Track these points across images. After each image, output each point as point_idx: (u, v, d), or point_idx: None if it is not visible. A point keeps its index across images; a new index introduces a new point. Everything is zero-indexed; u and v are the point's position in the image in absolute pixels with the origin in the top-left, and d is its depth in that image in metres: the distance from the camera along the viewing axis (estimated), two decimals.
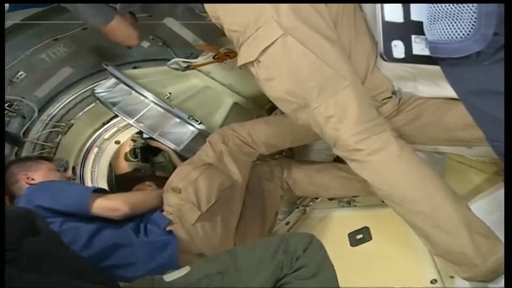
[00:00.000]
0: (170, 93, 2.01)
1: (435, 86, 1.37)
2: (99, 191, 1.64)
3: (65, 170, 2.22)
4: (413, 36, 1.14)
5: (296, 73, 1.30)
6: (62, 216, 1.52)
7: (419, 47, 1.14)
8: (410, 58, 1.14)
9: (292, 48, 1.28)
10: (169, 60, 2.08)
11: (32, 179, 1.71)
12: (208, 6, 1.44)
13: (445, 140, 1.46)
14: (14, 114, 2.16)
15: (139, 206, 1.64)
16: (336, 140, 1.32)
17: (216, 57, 1.98)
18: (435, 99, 1.42)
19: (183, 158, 2.02)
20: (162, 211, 1.67)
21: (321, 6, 1.36)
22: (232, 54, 1.94)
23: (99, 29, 1.72)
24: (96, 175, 2.32)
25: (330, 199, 2.02)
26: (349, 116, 1.29)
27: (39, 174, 1.75)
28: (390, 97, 1.47)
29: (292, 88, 1.32)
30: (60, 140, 2.29)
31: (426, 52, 1.12)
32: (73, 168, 2.30)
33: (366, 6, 1.47)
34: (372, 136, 1.28)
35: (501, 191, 1.46)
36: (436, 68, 1.18)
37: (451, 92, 1.27)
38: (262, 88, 1.41)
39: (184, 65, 2.06)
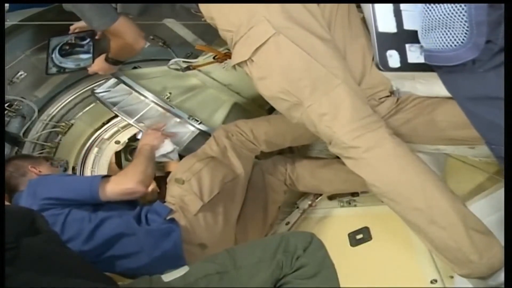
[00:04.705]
0: (170, 93, 2.02)
1: (433, 86, 1.37)
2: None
3: (65, 170, 2.22)
4: (407, 45, 1.16)
5: (288, 72, 1.31)
6: (68, 206, 1.53)
7: (414, 55, 1.16)
8: (406, 66, 1.16)
9: (284, 47, 1.29)
10: (169, 60, 2.08)
11: (40, 171, 1.73)
12: (202, 7, 1.45)
13: (444, 139, 1.45)
14: (14, 114, 2.16)
15: (148, 178, 1.65)
16: (331, 138, 1.33)
17: (216, 57, 1.98)
18: (433, 98, 1.42)
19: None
20: (164, 201, 1.69)
21: (313, 6, 1.38)
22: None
23: (106, 31, 1.72)
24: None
25: (330, 199, 2.01)
26: (342, 113, 1.29)
27: (45, 167, 1.77)
28: (388, 96, 1.47)
29: (285, 87, 1.33)
30: (60, 140, 2.30)
31: (421, 59, 1.14)
32: (73, 168, 2.31)
33: (365, 7, 1.47)
34: (367, 133, 1.28)
35: (502, 191, 1.45)
36: None
37: None
38: (256, 87, 1.42)
39: (184, 65, 2.06)
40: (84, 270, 1.08)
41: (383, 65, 1.13)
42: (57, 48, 2.08)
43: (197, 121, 1.94)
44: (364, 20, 1.51)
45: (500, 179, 1.59)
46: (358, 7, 1.51)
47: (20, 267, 0.92)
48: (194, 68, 2.06)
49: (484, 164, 1.67)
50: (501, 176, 1.59)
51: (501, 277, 1.19)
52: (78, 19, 1.84)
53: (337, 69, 1.32)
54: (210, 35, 2.06)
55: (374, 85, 1.47)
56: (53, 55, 2.06)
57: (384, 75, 1.47)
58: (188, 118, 1.93)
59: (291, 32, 1.30)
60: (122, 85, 1.99)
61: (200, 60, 2.07)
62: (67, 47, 2.09)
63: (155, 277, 1.11)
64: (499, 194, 1.48)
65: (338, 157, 1.42)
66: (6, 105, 2.12)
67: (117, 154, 2.71)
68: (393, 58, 1.14)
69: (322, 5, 1.41)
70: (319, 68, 1.30)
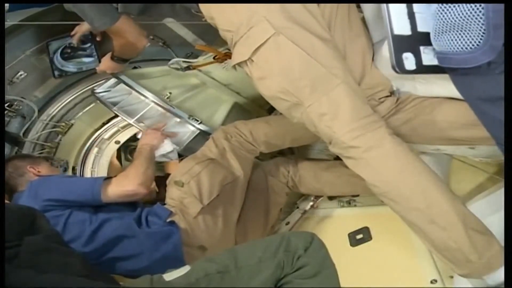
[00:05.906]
0: (170, 93, 2.02)
1: (433, 86, 1.38)
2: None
3: (65, 170, 2.22)
4: (421, 47, 1.15)
5: (288, 72, 1.32)
6: (69, 208, 1.53)
7: (428, 58, 1.16)
8: (421, 68, 1.16)
9: (283, 47, 1.30)
10: (169, 60, 2.09)
11: (39, 171, 1.72)
12: (203, 6, 1.45)
13: (444, 139, 1.46)
14: (14, 114, 2.16)
15: (148, 179, 1.65)
16: (331, 138, 1.33)
17: (216, 57, 1.98)
18: (433, 98, 1.42)
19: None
20: (164, 204, 1.69)
21: (313, 6, 1.38)
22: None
23: (108, 30, 1.72)
24: (96, 175, 2.32)
25: (330, 199, 2.01)
26: (342, 113, 1.30)
27: (44, 168, 1.76)
28: (388, 96, 1.47)
29: (285, 87, 1.33)
30: (60, 140, 2.29)
31: (435, 62, 1.14)
32: (73, 168, 2.30)
33: (366, 7, 1.48)
34: (367, 133, 1.29)
35: (502, 191, 1.45)
36: None
37: (449, 91, 1.28)
38: (256, 87, 1.42)
39: (184, 65, 2.06)
40: (85, 268, 1.08)
41: (400, 67, 1.13)
42: (59, 51, 2.09)
43: (197, 121, 1.94)
44: (364, 20, 1.52)
45: (500, 179, 1.59)
46: (358, 7, 1.52)
47: (20, 265, 0.93)
48: (194, 68, 2.06)
49: (484, 164, 1.67)
50: (501, 176, 1.59)
51: (500, 277, 1.20)
52: (79, 19, 1.84)
53: (337, 69, 1.33)
54: (210, 35, 2.07)
55: (374, 85, 1.47)
56: (55, 59, 2.06)
57: (384, 75, 1.48)
58: (188, 118, 1.93)
59: (291, 32, 1.30)
60: (122, 85, 1.99)
61: (200, 60, 2.07)
62: (69, 51, 2.10)
63: (156, 277, 1.10)
64: (499, 194, 1.48)
65: (338, 158, 1.43)
66: (6, 105, 2.12)
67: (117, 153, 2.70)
68: (409, 61, 1.14)
69: (322, 5, 1.41)
70: (319, 68, 1.30)
